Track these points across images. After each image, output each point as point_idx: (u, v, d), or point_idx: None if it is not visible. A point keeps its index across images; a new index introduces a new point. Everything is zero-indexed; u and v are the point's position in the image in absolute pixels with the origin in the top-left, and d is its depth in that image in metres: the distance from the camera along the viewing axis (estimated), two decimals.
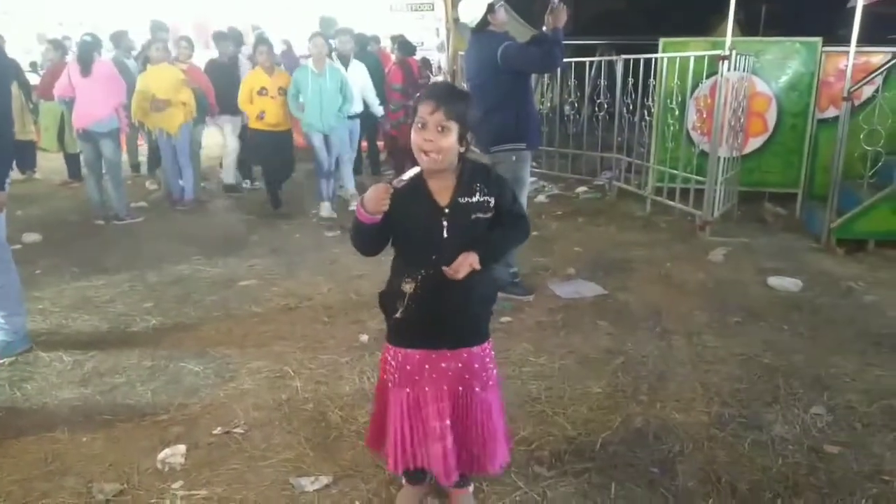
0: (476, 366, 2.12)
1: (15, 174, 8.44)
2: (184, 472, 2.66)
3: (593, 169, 8.28)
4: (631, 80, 7.14)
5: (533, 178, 8.23)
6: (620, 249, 5.59)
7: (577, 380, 3.38)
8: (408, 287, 2.00)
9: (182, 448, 2.79)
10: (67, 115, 7.03)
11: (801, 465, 2.72)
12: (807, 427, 2.98)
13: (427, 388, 2.09)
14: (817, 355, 3.63)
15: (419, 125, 1.90)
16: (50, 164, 9.12)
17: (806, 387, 3.31)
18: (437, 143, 1.88)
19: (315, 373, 3.45)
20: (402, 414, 2.13)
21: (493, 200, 1.99)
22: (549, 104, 9.11)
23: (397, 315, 2.05)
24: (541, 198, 7.66)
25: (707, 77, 6.21)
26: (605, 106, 7.69)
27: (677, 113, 6.40)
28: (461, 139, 1.94)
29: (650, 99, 6.85)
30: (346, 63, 7.27)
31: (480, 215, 1.99)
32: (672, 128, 6.42)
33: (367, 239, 2.01)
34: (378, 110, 7.69)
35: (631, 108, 7.26)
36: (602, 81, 7.63)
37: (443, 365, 2.10)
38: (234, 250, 5.67)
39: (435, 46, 12.00)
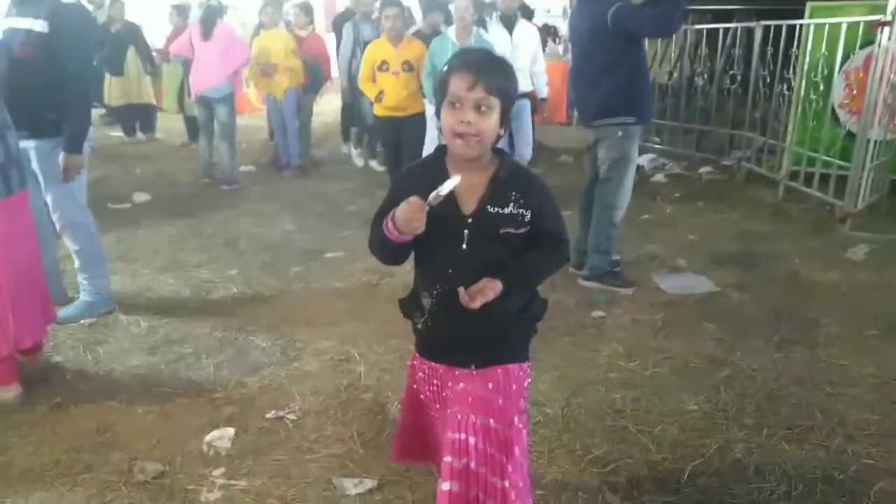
0: (514, 387, 1.73)
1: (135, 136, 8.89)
2: (227, 458, 2.53)
3: (720, 147, 7.52)
4: (770, 49, 6.35)
5: (652, 155, 7.62)
6: (742, 240, 4.98)
7: (670, 392, 2.95)
8: (425, 301, 1.71)
9: (230, 431, 2.66)
10: (185, 77, 7.17)
11: None
12: None
13: (449, 409, 1.76)
14: None
15: (453, 104, 1.54)
16: (171, 125, 9.47)
17: None
18: (477, 125, 1.53)
19: (381, 359, 3.23)
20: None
21: (529, 215, 1.63)
22: (675, 75, 8.37)
23: (418, 326, 1.77)
24: (658, 177, 7.04)
25: (861, 47, 5.36)
26: (739, 78, 6.92)
27: (822, 88, 5.60)
28: (502, 119, 1.58)
29: (791, 71, 6.05)
30: (510, 25, 5.71)
31: (512, 230, 1.63)
32: (815, 104, 5.63)
33: (391, 254, 1.67)
34: (543, 90, 5.92)
35: (768, 80, 6.47)
36: (737, 51, 6.85)
37: (461, 385, 1.73)
38: (330, 220, 5.57)
39: (559, 12, 11.41)
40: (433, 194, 1.49)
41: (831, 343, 3.40)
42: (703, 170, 7.15)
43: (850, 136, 5.38)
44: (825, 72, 5.57)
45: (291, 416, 2.78)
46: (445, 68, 1.59)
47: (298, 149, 7.22)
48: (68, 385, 3.00)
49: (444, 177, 1.55)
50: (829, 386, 3.01)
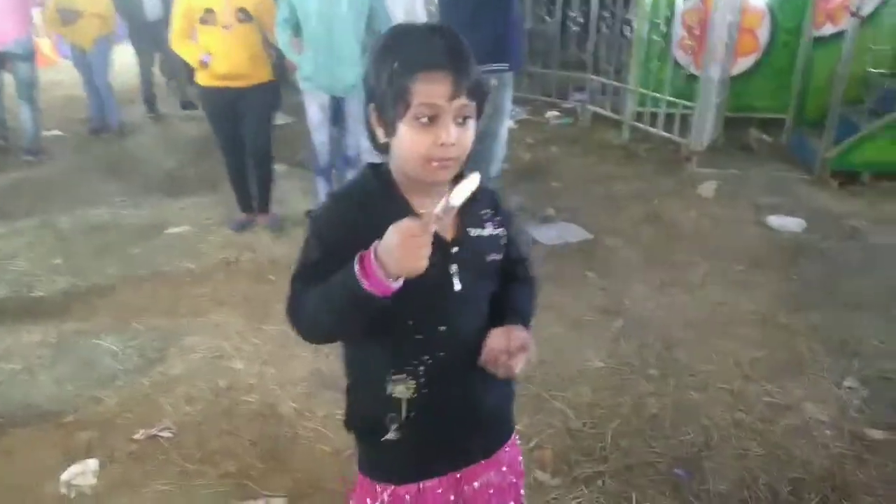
0: (519, 459, 1.38)
1: None
2: (95, 499, 2.10)
3: (563, 90, 7.62)
4: None
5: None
6: (601, 184, 5.04)
7: (573, 351, 2.88)
8: (403, 390, 1.16)
9: (93, 464, 2.21)
10: None
11: (847, 458, 2.31)
12: (843, 405, 2.57)
13: None
14: (837, 313, 3.20)
15: (423, 118, 1.04)
16: None
17: (832, 353, 2.88)
18: (460, 142, 1.07)
19: (261, 350, 2.86)
20: None
21: (505, 237, 1.24)
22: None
23: (389, 437, 1.19)
24: (509, 123, 6.99)
25: None
26: (580, 20, 6.97)
27: (663, 29, 5.75)
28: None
29: (631, 13, 6.16)
30: None
31: (495, 257, 1.22)
32: (657, 46, 5.78)
33: (359, 319, 1.06)
34: None
35: (609, 22, 6.57)
36: None
37: (475, 485, 1.29)
38: (165, 189, 4.91)
39: None
40: (441, 205, 0.99)
41: (706, 281, 3.50)
42: (549, 114, 7.20)
43: (691, 77, 5.59)
44: (666, 13, 5.71)
45: (166, 434, 2.36)
46: (397, 64, 1.05)
47: (114, 107, 6.34)
48: None
49: (401, 206, 1.11)
50: (716, 326, 3.09)
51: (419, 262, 0.98)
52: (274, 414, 2.47)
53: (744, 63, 6.04)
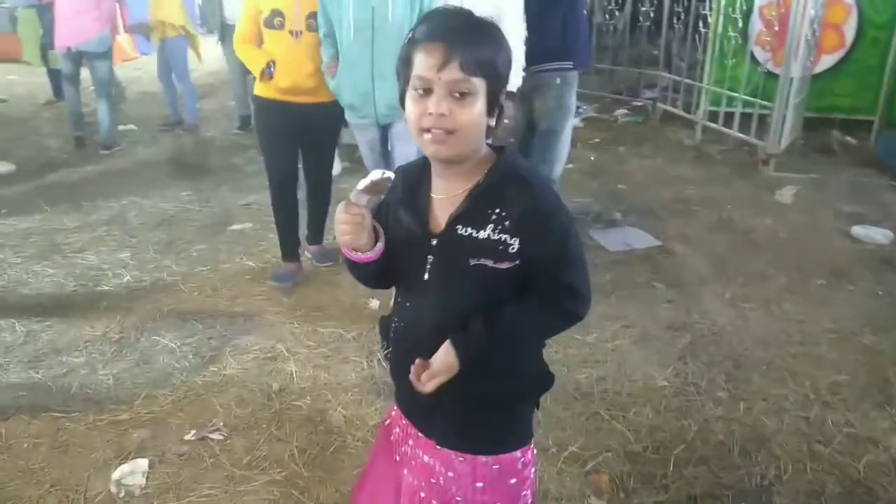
0: (512, 481, 1.29)
1: None
2: (144, 500, 2.10)
3: (634, 87, 7.38)
4: None
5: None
6: (671, 187, 4.84)
7: (636, 367, 2.74)
8: (392, 329, 1.32)
9: (144, 464, 2.21)
10: (42, 23, 6.21)
11: None
12: None
13: (407, 476, 1.35)
14: None
15: (419, 89, 1.10)
16: (32, 79, 8.33)
17: None
18: (454, 117, 1.08)
19: (314, 353, 2.83)
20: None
21: (517, 244, 1.12)
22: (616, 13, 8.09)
23: (386, 352, 1.36)
24: (575, 121, 6.81)
25: None
26: (651, 15, 6.72)
27: (741, 24, 5.47)
28: (492, 107, 1.12)
29: (707, 7, 5.90)
30: None
31: (487, 263, 1.13)
32: (734, 42, 5.50)
33: (360, 275, 1.28)
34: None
35: (682, 17, 6.31)
36: None
37: (426, 459, 1.30)
38: (232, 185, 4.98)
39: None
40: (353, 193, 1.16)
41: (783, 297, 3.29)
42: (618, 112, 6.99)
43: (770, 75, 5.30)
44: (743, 7, 5.43)
45: (216, 436, 2.35)
46: (407, 39, 1.13)
47: (192, 104, 6.49)
48: None
49: (423, 188, 1.21)
50: (792, 346, 2.89)
51: (342, 236, 1.15)
52: (324, 420, 2.43)
53: (828, 60, 5.71)
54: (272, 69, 3.10)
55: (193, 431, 2.37)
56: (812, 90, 5.64)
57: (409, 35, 1.13)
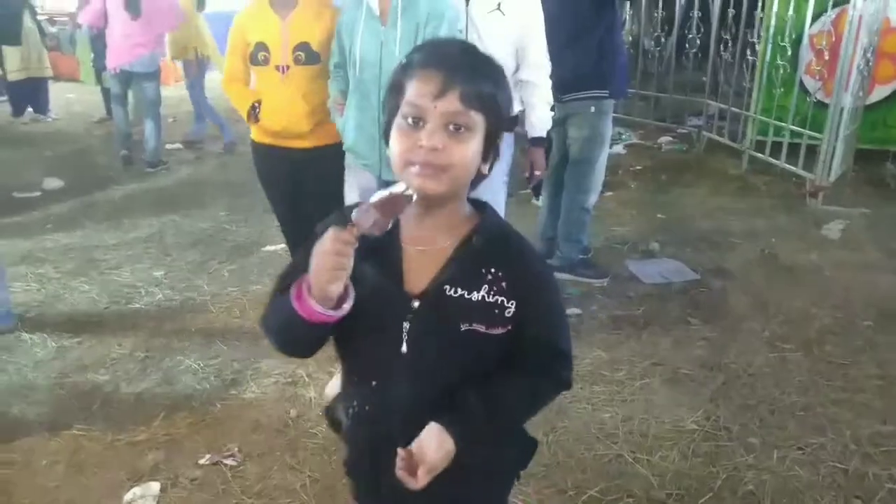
0: None
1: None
2: None
3: (679, 115, 7.24)
4: (732, 10, 6.03)
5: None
6: (712, 218, 4.70)
7: (664, 408, 2.63)
8: (342, 413, 1.14)
9: (156, 487, 2.20)
10: (94, 47, 6.43)
11: None
12: None
13: None
14: None
15: (409, 118, 0.98)
16: (87, 98, 8.62)
17: None
18: (449, 152, 0.96)
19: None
20: None
21: (513, 308, 1.03)
22: (629, 38, 8.01)
23: (345, 424, 1.16)
24: (617, 147, 6.71)
25: (833, 6, 5.09)
26: (697, 42, 6.60)
27: (790, 53, 5.32)
28: (487, 149, 1.02)
29: (755, 35, 5.76)
30: None
31: (479, 328, 1.02)
32: (783, 70, 5.35)
33: (294, 336, 1.04)
34: (538, 121, 2.86)
35: (729, 44, 6.17)
36: (696, 12, 6.51)
37: None
38: (267, 204, 4.99)
39: None
40: (361, 209, 0.93)
41: (826, 339, 3.13)
42: (662, 139, 6.86)
43: (819, 104, 5.13)
44: (793, 35, 5.28)
45: (230, 462, 2.33)
46: (400, 66, 1.03)
47: (223, 125, 6.64)
48: None
49: (393, 237, 1.03)
50: (833, 391, 2.74)
51: (325, 278, 0.92)
52: (338, 450, 2.38)
53: (881, 91, 5.51)
54: (257, 110, 2.73)
55: (208, 456, 2.35)
56: (865, 121, 5.45)
57: (402, 62, 1.03)
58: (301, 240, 2.86)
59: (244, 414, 2.59)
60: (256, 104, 2.73)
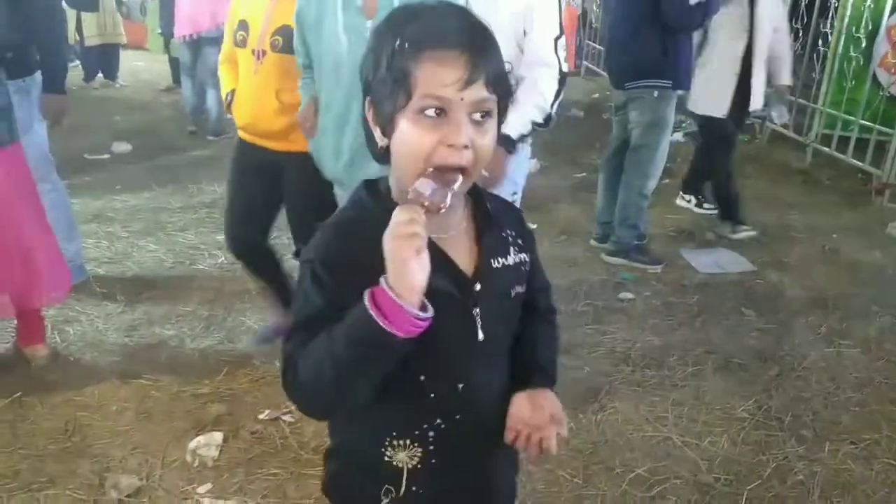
0: None
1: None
2: (215, 471, 2.19)
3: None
4: None
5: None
6: (773, 210, 4.61)
7: (716, 396, 2.62)
8: (405, 458, 0.97)
9: (218, 437, 2.31)
10: (163, 15, 6.59)
11: None
12: None
13: None
14: None
15: (429, 111, 0.84)
16: (156, 66, 8.86)
17: None
18: (478, 146, 0.87)
19: None
20: None
21: (528, 262, 1.04)
22: None
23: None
24: (676, 135, 6.61)
25: None
26: None
27: (864, 44, 5.15)
28: (498, 126, 0.93)
29: (827, 25, 5.59)
30: None
31: (520, 290, 1.02)
32: (855, 62, 5.19)
33: (375, 376, 0.87)
34: (526, 117, 2.17)
35: (800, 34, 6.00)
36: None
37: None
38: None
39: None
40: (416, 185, 0.85)
41: (886, 338, 3.07)
42: None
43: (893, 99, 4.96)
44: (869, 27, 5.11)
45: (288, 418, 2.43)
46: (399, 41, 0.85)
47: None
48: (32, 375, 2.61)
49: None
50: (891, 390, 2.70)
51: (411, 267, 0.79)
52: None
53: None
54: (229, 99, 2.44)
55: (268, 411, 2.45)
56: None
57: (396, 40, 0.85)
58: (246, 246, 2.56)
59: None
60: (230, 93, 2.44)
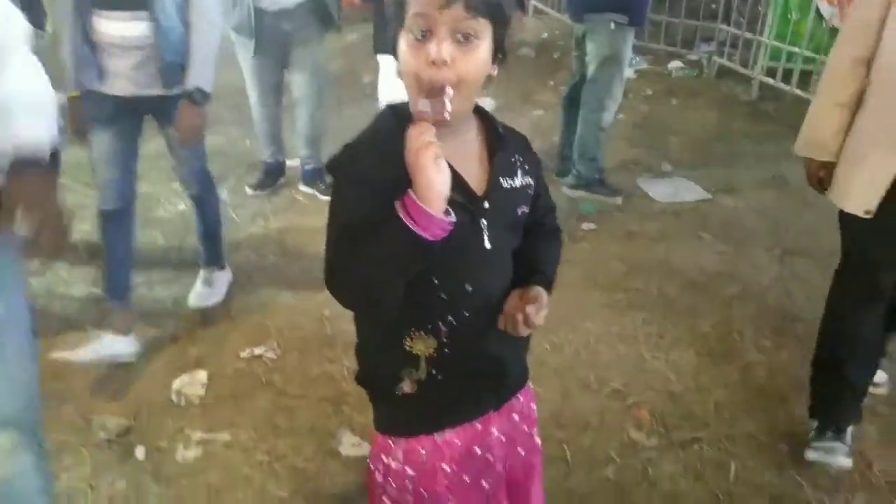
0: (532, 406, 1.30)
1: None
2: (202, 408, 2.22)
3: (688, 40, 7.17)
4: None
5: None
6: (723, 141, 4.75)
7: (681, 312, 2.76)
8: (422, 348, 1.09)
9: (203, 375, 2.33)
10: None
11: None
12: None
13: (485, 484, 1.21)
14: None
15: (417, 33, 0.95)
16: None
17: None
18: (457, 66, 0.95)
19: None
20: None
21: (534, 185, 1.15)
22: None
23: (405, 390, 1.12)
24: (628, 72, 6.68)
25: None
26: None
27: None
28: (495, 52, 1.00)
29: None
30: None
31: (525, 209, 1.14)
32: None
33: (410, 269, 0.98)
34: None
35: None
36: None
37: (494, 434, 1.20)
38: None
39: None
40: (418, 105, 0.96)
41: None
42: (671, 65, 6.80)
43: (834, 31, 5.10)
44: None
45: (270, 355, 2.46)
46: None
47: None
48: None
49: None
50: None
51: (432, 174, 0.91)
52: None
53: None
54: None
55: (248, 349, 2.48)
56: None
57: None
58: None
59: (280, 314, 2.70)
60: None
